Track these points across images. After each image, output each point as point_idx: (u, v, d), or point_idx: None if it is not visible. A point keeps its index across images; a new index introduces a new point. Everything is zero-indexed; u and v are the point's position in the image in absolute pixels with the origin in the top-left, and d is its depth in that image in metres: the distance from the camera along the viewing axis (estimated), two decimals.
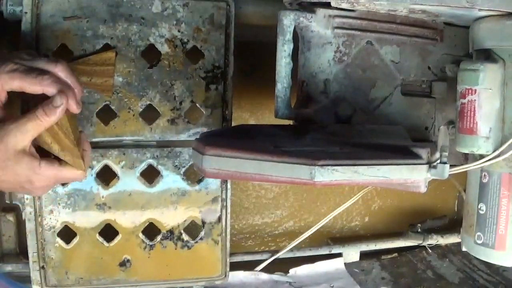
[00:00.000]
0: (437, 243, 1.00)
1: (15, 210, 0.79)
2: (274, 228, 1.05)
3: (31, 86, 0.51)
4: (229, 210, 0.76)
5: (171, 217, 0.74)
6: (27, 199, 0.68)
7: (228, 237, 0.77)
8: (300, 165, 0.46)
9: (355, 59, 0.68)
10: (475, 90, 0.58)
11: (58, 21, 0.66)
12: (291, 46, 0.63)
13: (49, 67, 0.53)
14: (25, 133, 0.50)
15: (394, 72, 0.70)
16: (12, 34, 0.70)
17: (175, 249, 0.75)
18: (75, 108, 0.53)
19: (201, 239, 0.76)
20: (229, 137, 0.59)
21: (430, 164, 0.50)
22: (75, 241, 0.71)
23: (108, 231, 0.72)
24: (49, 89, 0.51)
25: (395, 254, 1.00)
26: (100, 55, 0.67)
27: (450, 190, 1.12)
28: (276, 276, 0.87)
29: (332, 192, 1.07)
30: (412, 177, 0.50)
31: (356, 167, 0.47)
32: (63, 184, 0.69)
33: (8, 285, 0.64)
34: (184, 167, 0.73)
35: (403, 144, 0.56)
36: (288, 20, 0.62)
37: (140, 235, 0.73)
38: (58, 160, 0.54)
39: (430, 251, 1.00)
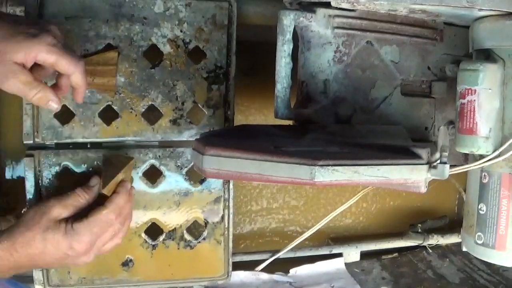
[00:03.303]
0: (438, 243, 1.00)
1: (15, 210, 0.79)
2: (274, 228, 1.05)
3: (66, 67, 0.53)
4: (231, 210, 0.76)
5: (173, 217, 0.74)
6: (29, 198, 0.68)
7: (231, 237, 0.77)
8: (300, 165, 0.47)
9: (355, 59, 0.68)
10: (475, 90, 0.58)
11: (60, 21, 0.66)
12: (291, 46, 0.63)
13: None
14: (66, 207, 0.59)
15: (394, 72, 0.70)
16: None
17: (178, 249, 0.75)
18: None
19: (203, 239, 0.76)
20: (229, 137, 0.59)
21: (430, 164, 0.50)
22: None
23: None
24: (79, 76, 0.54)
25: (396, 254, 1.00)
26: (103, 55, 0.67)
27: (450, 190, 1.12)
28: (276, 276, 0.87)
29: (332, 192, 1.07)
30: (412, 177, 0.50)
31: (356, 167, 0.48)
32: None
33: (9, 285, 0.64)
34: (186, 167, 0.74)
35: (403, 144, 0.56)
36: (288, 20, 0.62)
37: (143, 235, 0.73)
38: (85, 215, 0.60)
39: (430, 251, 1.00)
